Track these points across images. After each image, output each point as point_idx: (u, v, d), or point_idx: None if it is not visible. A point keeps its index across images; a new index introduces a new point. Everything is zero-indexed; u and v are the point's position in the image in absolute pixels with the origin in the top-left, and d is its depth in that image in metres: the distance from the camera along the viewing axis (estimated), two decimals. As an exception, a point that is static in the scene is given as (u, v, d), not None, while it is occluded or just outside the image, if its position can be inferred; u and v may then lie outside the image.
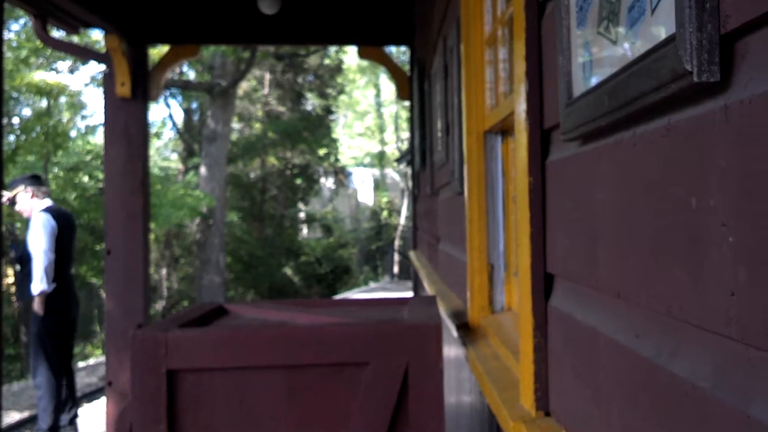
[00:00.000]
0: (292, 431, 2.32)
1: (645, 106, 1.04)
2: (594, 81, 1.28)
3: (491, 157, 2.90)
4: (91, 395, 13.78)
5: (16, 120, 23.75)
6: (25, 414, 12.78)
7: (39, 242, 6.64)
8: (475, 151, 2.93)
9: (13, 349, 24.56)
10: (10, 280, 24.69)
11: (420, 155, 6.48)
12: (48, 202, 7.03)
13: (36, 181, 7.12)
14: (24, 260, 6.80)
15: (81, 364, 20.12)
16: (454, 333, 3.15)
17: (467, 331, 2.93)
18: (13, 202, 6.92)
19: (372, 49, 7.15)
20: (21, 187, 6.98)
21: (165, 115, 38.66)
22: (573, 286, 1.53)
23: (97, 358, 21.09)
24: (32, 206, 6.93)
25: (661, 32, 0.99)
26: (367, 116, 51.75)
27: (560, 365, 1.61)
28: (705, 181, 0.90)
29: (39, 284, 6.57)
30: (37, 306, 6.66)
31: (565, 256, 1.56)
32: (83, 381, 16.18)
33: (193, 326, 2.54)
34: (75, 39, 6.34)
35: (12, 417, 12.39)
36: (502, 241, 2.87)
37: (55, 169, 21.46)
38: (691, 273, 0.95)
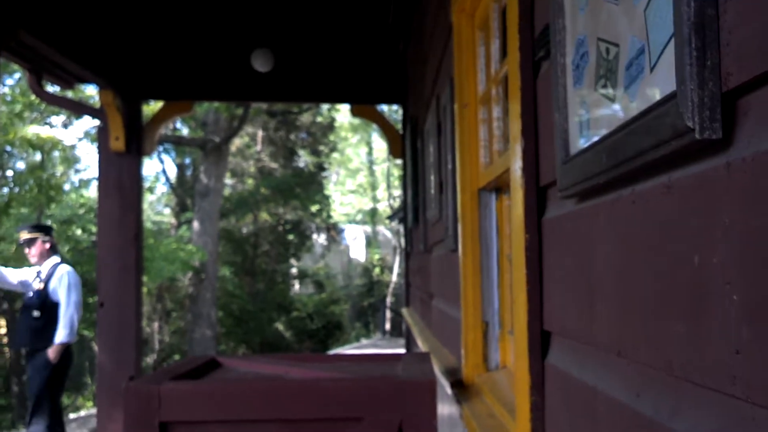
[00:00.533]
0: (285, 488, 2.28)
1: (645, 163, 1.04)
2: (591, 139, 1.29)
3: (485, 214, 2.91)
4: (83, 446, 13.63)
5: (9, 173, 23.85)
6: None
7: (71, 294, 6.81)
8: (469, 209, 2.94)
9: (5, 400, 24.24)
10: (2, 330, 24.55)
11: (413, 212, 6.50)
12: (58, 257, 7.22)
13: (51, 232, 7.35)
14: (45, 308, 6.91)
15: (72, 415, 19.90)
16: (449, 390, 3.11)
17: (461, 389, 2.90)
18: (29, 245, 7.11)
19: (365, 108, 7.23)
20: (41, 234, 7.20)
21: (158, 170, 38.79)
22: (570, 343, 1.52)
23: (88, 410, 20.86)
24: (45, 256, 7.11)
25: (661, 90, 1.00)
26: (359, 173, 52.05)
27: (558, 423, 1.59)
28: (708, 238, 0.90)
29: (67, 334, 6.71)
30: (54, 354, 6.75)
31: (562, 313, 1.56)
32: (74, 432, 16.03)
33: (186, 379, 2.53)
34: (69, 94, 6.40)
35: None
36: (496, 298, 2.86)
37: (48, 222, 21.47)
38: (693, 331, 0.94)
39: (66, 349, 6.86)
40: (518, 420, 1.77)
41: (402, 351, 10.26)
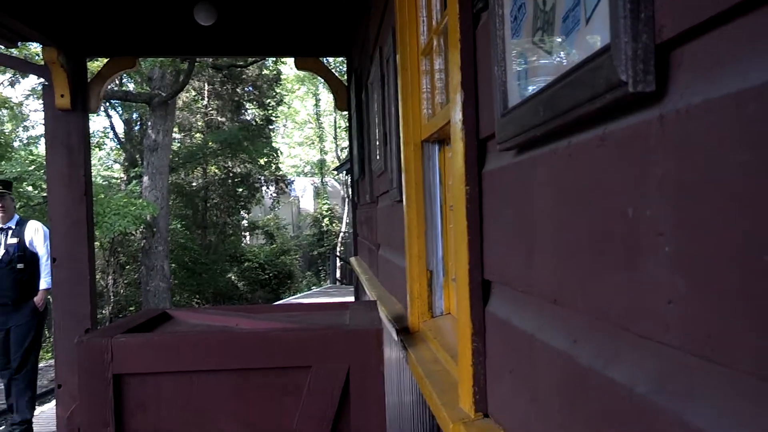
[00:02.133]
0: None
1: (580, 116, 1.04)
2: (529, 91, 1.29)
3: (429, 166, 2.92)
4: (42, 397, 13.67)
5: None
6: None
7: (46, 246, 7.32)
8: (413, 161, 2.95)
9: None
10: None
11: (359, 164, 6.49)
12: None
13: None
14: (26, 260, 7.41)
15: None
16: (395, 336, 3.16)
17: (407, 335, 2.95)
18: (2, 199, 7.51)
19: (309, 60, 7.14)
20: (8, 191, 7.63)
21: (106, 125, 38.06)
22: (510, 292, 1.55)
23: (46, 362, 20.74)
24: (12, 212, 7.57)
25: (596, 42, 1.00)
26: (306, 126, 51.66)
27: (498, 369, 1.63)
28: (641, 190, 0.91)
29: (50, 281, 6.98)
30: (41, 301, 7.37)
31: (502, 263, 1.58)
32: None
33: (137, 332, 2.54)
34: (14, 52, 6.24)
35: None
36: (440, 247, 2.89)
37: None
38: (628, 281, 0.96)
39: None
40: (461, 365, 1.81)
41: (351, 299, 10.34)
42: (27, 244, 7.45)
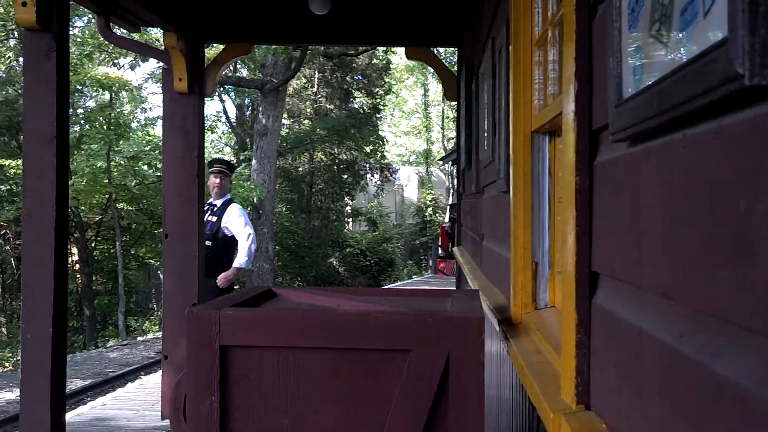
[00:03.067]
0: (335, 409, 2.40)
1: (695, 108, 1.04)
2: (644, 83, 1.30)
3: (538, 157, 2.92)
4: (149, 367, 14.36)
5: (80, 111, 24.52)
6: (87, 382, 13.36)
7: (250, 227, 8.05)
8: (522, 151, 2.95)
9: (77, 322, 25.45)
10: (75, 257, 25.57)
11: (466, 154, 6.50)
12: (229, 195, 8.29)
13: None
14: (216, 240, 7.87)
15: (140, 338, 20.82)
16: (497, 327, 3.17)
17: (509, 326, 2.96)
18: (220, 178, 8.10)
19: (420, 50, 7.17)
20: (229, 173, 8.30)
21: (219, 110, 39.27)
22: (617, 284, 1.55)
23: (153, 334, 21.82)
24: (224, 192, 8.16)
25: (714, 36, 1.00)
26: (413, 115, 51.80)
27: (602, 361, 1.63)
28: (756, 185, 0.91)
29: (245, 261, 7.90)
30: (227, 279, 7.80)
31: (610, 254, 1.58)
32: (142, 354, 16.83)
33: (245, 306, 2.65)
34: (136, 36, 6.53)
35: (75, 384, 12.95)
36: (547, 239, 2.89)
37: (117, 158, 22.11)
38: (738, 275, 0.96)
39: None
40: (564, 356, 1.82)
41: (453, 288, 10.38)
42: (222, 223, 7.91)
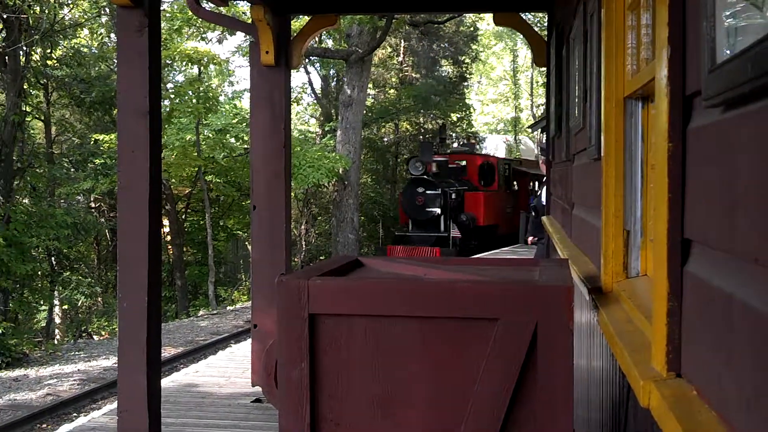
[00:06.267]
0: (421, 377, 2.44)
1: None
2: (738, 47, 1.28)
3: (631, 123, 2.87)
4: (238, 336, 14.81)
5: (170, 85, 25.22)
6: (180, 350, 13.91)
7: None
8: (614, 117, 2.91)
9: (169, 292, 26.47)
10: (166, 229, 26.51)
11: (555, 121, 6.42)
12: None
13: None
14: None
15: (229, 308, 21.49)
16: (586, 296, 3.16)
17: (600, 295, 2.94)
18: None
19: (508, 15, 7.07)
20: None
21: (304, 81, 39.69)
22: (710, 252, 1.54)
23: (242, 304, 22.48)
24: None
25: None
26: (501, 82, 51.17)
27: (693, 329, 1.62)
28: None
29: None
30: None
31: (703, 222, 1.57)
32: (231, 323, 17.37)
33: (332, 275, 2.71)
34: (223, 10, 6.66)
35: (168, 352, 13.53)
36: (639, 207, 2.85)
37: (206, 131, 22.68)
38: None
39: None
40: (655, 324, 1.81)
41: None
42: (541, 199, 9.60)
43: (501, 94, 51.45)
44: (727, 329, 1.38)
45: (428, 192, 22.16)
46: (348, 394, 2.49)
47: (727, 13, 1.35)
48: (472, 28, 32.13)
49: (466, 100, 35.78)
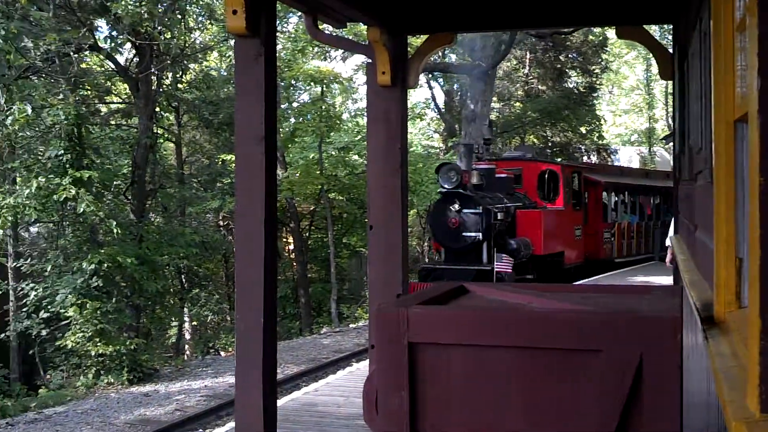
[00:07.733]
0: (521, 408, 2.43)
1: None
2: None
3: (742, 147, 2.77)
4: (360, 354, 14.96)
5: (294, 105, 25.98)
6: (302, 368, 14.17)
7: None
8: (724, 140, 2.82)
9: (293, 309, 27.02)
10: (291, 246, 27.10)
11: (679, 138, 6.22)
12: None
13: None
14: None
15: (351, 325, 21.78)
16: (700, 325, 3.05)
17: (711, 325, 2.84)
18: None
19: (631, 29, 6.89)
20: None
21: (427, 96, 40.02)
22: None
23: (365, 321, 22.79)
24: None
25: None
26: (634, 92, 49.72)
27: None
28: None
29: None
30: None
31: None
32: (353, 341, 17.54)
33: (433, 304, 2.74)
34: (343, 32, 6.84)
35: (291, 370, 13.80)
36: (753, 234, 2.74)
37: (329, 149, 23.16)
38: None
39: None
40: (749, 362, 1.75)
41: (669, 281, 10.09)
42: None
43: (634, 104, 50.04)
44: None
45: (465, 211, 16.35)
46: (449, 424, 2.51)
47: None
48: (601, 38, 31.44)
49: (597, 111, 34.99)
